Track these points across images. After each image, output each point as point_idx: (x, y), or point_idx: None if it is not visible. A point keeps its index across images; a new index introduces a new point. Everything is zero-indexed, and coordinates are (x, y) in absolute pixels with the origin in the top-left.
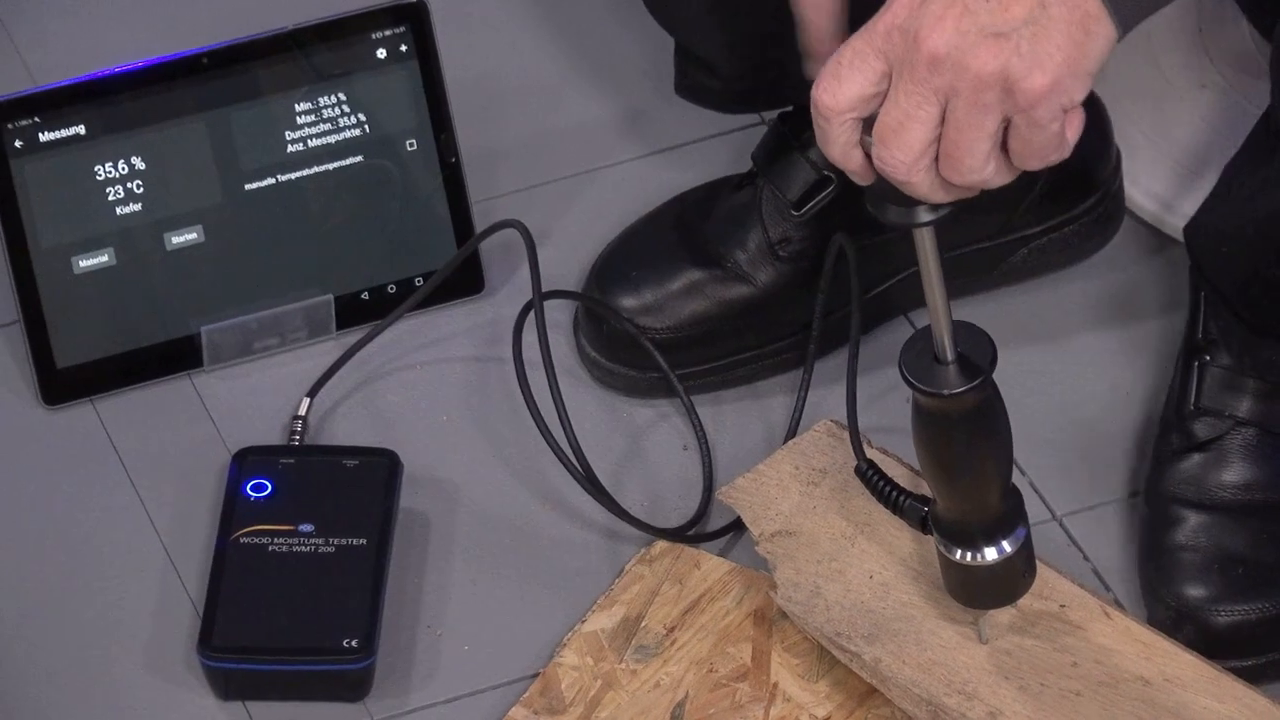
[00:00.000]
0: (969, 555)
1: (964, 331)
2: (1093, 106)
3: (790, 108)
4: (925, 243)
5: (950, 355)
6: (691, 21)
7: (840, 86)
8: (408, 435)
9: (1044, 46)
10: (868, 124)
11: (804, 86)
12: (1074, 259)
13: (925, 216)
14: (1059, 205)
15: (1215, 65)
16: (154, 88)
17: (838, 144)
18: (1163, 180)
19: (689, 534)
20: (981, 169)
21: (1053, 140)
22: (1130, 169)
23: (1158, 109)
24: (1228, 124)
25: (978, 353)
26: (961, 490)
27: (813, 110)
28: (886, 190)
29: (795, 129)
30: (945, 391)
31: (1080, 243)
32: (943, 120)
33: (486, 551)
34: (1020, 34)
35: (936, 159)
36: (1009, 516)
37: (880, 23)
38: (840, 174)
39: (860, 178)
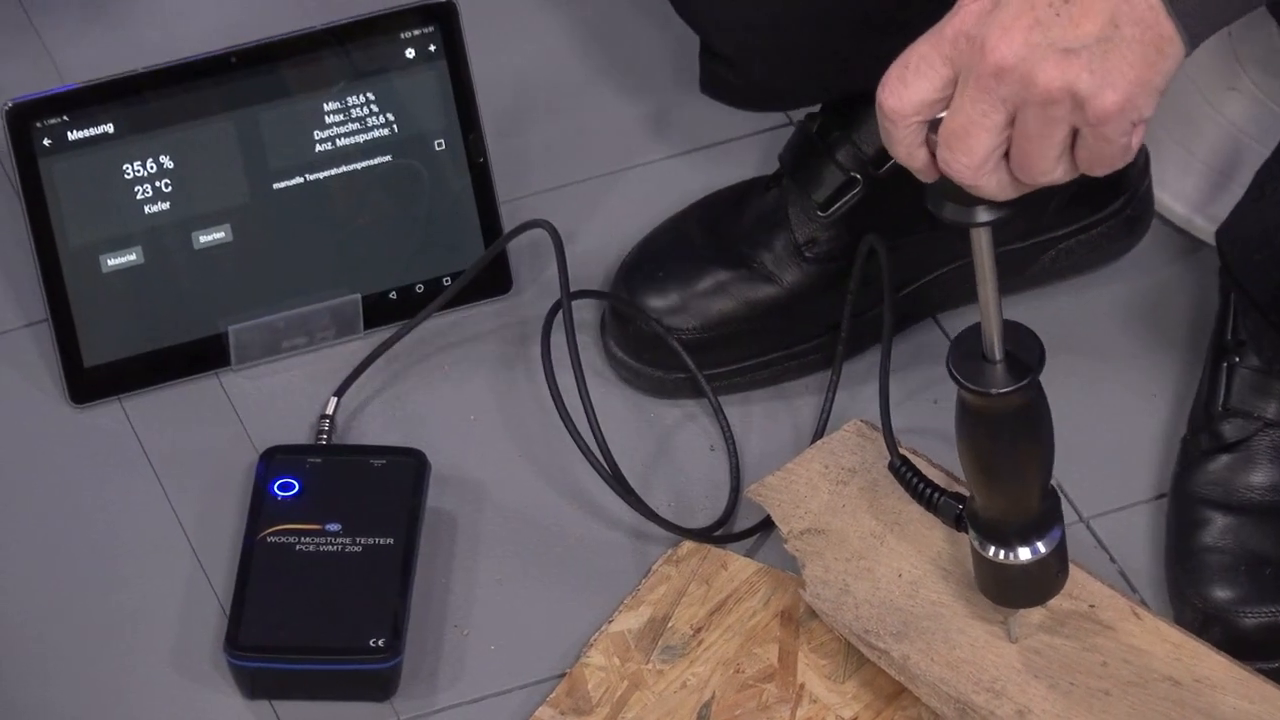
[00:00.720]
0: (1004, 554)
1: (1013, 331)
2: None
3: (817, 107)
4: (982, 242)
5: (998, 354)
6: (717, 19)
7: (906, 90)
8: (435, 435)
9: (1115, 65)
10: (934, 122)
11: (830, 85)
12: (1102, 261)
13: (984, 216)
14: (1087, 207)
15: (1244, 68)
16: (182, 87)
17: (902, 145)
18: (1192, 183)
19: (716, 534)
20: (1052, 171)
21: (1120, 151)
22: (1159, 171)
23: (1186, 112)
24: (1257, 127)
25: (1026, 352)
26: (1002, 490)
27: (878, 112)
28: (948, 188)
29: (822, 130)
30: (993, 390)
31: (1108, 245)
32: (1010, 125)
33: (513, 551)
34: (1091, 51)
35: (1005, 160)
36: (1047, 517)
37: (948, 27)
38: (867, 175)
39: (925, 176)
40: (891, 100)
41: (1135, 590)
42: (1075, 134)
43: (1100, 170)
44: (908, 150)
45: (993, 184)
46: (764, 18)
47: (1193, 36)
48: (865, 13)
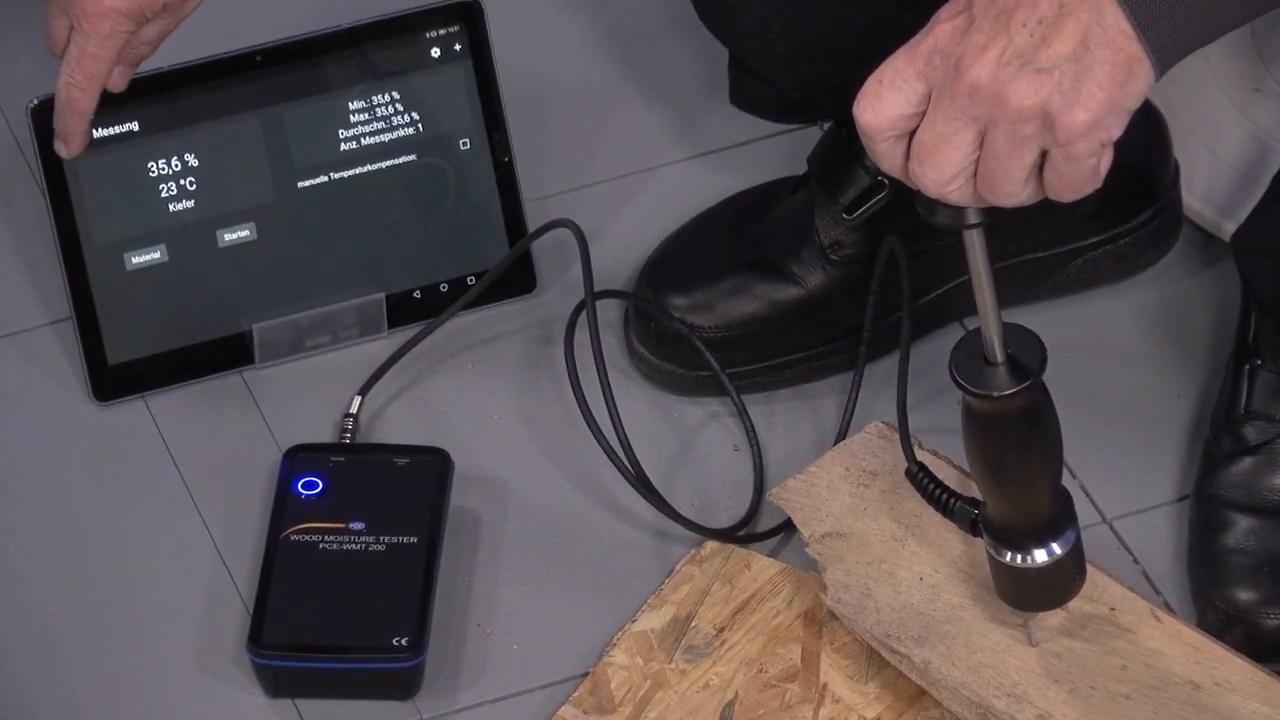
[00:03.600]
0: (1019, 557)
1: (1014, 333)
2: (1151, 118)
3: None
4: (975, 244)
5: (1000, 357)
6: (746, 33)
7: (880, 105)
8: (459, 434)
9: (1086, 85)
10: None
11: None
12: (1129, 272)
13: (974, 218)
14: (1116, 217)
15: (1269, 69)
16: (208, 85)
17: (885, 160)
18: (1219, 186)
19: (739, 534)
20: (1018, 193)
21: (1088, 174)
22: (1186, 175)
23: (1212, 115)
24: None
25: (1027, 355)
26: (1011, 492)
27: (857, 127)
28: None
29: (851, 134)
30: (994, 393)
31: (1135, 256)
32: (980, 144)
33: (537, 550)
34: (1063, 70)
35: (973, 177)
36: (1059, 519)
37: (923, 44)
38: (893, 181)
39: (914, 185)
40: (866, 115)
41: (1158, 591)
42: (1044, 157)
43: (1068, 195)
44: (891, 164)
45: (960, 199)
46: (794, 31)
47: (1162, 60)
48: (901, 24)
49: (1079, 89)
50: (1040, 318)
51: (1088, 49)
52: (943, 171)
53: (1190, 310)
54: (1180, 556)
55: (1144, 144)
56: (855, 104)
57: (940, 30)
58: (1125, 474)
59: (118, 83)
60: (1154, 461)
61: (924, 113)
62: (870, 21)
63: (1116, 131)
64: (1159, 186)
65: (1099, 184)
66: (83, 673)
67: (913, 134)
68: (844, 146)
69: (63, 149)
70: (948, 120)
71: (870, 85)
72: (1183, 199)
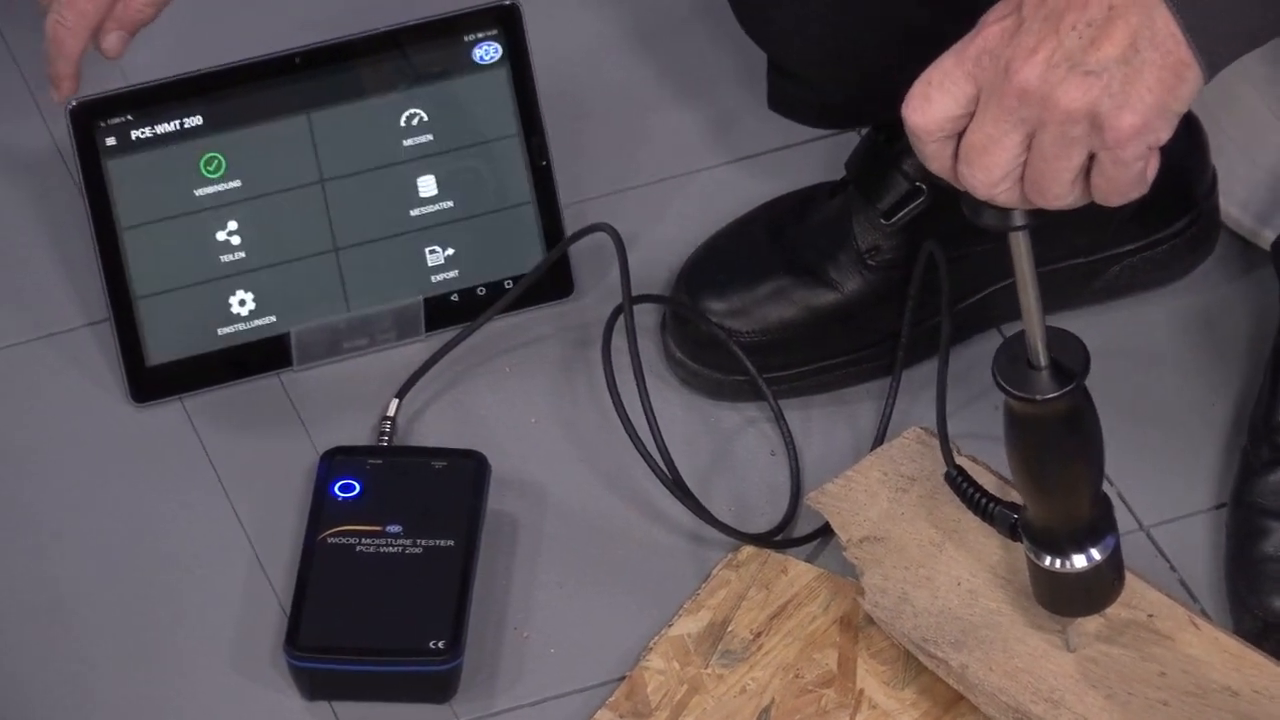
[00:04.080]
0: (1058, 562)
1: (1057, 337)
2: (1190, 125)
3: None
4: (1020, 247)
5: (1043, 360)
6: (785, 39)
7: (929, 106)
8: (496, 437)
9: (1135, 88)
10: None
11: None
12: (1167, 279)
13: (1021, 220)
14: (1154, 223)
15: None
16: (246, 87)
17: (933, 160)
18: (1258, 193)
19: (776, 539)
20: (1066, 196)
21: (1136, 178)
22: (1225, 182)
23: (1252, 122)
24: None
25: (1071, 358)
26: (1051, 496)
27: (905, 127)
28: None
29: (890, 138)
30: (1037, 397)
31: (1172, 263)
32: (1028, 146)
33: (574, 554)
34: (1112, 73)
35: (1020, 179)
36: (1099, 524)
37: (972, 45)
38: (932, 186)
39: (961, 186)
40: (915, 116)
41: (1195, 599)
42: (1092, 160)
43: (1115, 199)
44: (939, 165)
45: (1008, 201)
46: (833, 36)
47: (1211, 64)
48: (941, 31)
49: (1128, 92)
50: (1078, 324)
51: (1137, 51)
52: (991, 173)
53: (1228, 317)
54: (1217, 564)
55: (1182, 150)
56: (904, 104)
57: (989, 31)
58: (1162, 481)
59: (115, 46)
60: (1191, 469)
61: (972, 114)
62: (909, 27)
63: (1165, 135)
64: (1197, 193)
65: (1146, 189)
66: (118, 674)
67: (960, 135)
68: (882, 152)
69: (53, 94)
70: (996, 122)
71: (919, 86)
72: (1220, 206)
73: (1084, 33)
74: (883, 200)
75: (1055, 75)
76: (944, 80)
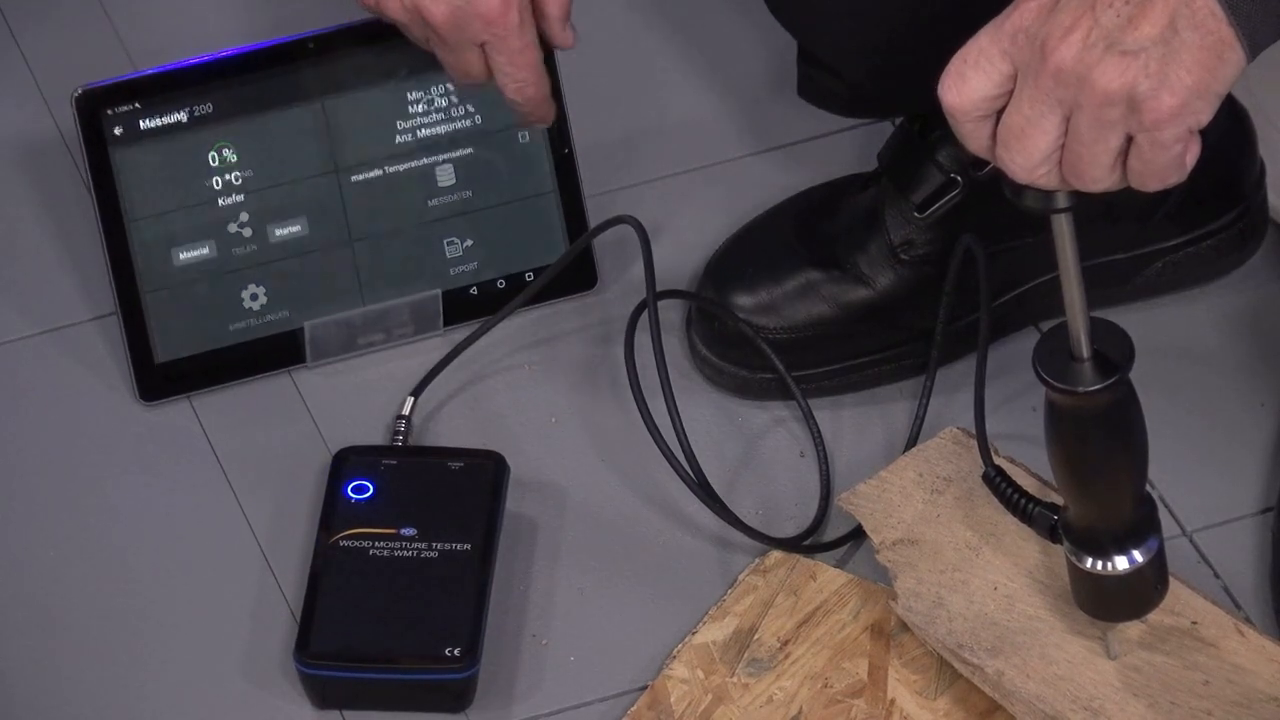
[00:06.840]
0: (1099, 564)
1: (1101, 328)
2: (1236, 116)
3: None
4: (1063, 230)
5: (1086, 352)
6: (817, 25)
7: (965, 85)
8: (515, 437)
9: (1174, 68)
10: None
11: (934, 92)
12: (1212, 275)
13: (1064, 202)
14: (1199, 218)
15: None
16: (258, 74)
17: (971, 140)
18: None
19: (805, 544)
20: (1104, 179)
21: (1174, 162)
22: (1273, 175)
23: None
24: None
25: (1115, 350)
26: (1093, 494)
27: (942, 107)
28: None
29: (924, 128)
30: (1080, 389)
31: (1218, 259)
32: (1066, 127)
33: (595, 558)
34: (1150, 53)
35: (1060, 162)
36: (1142, 525)
37: (1008, 23)
38: (968, 177)
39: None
40: (951, 96)
41: (1239, 606)
42: (1130, 143)
43: (1153, 183)
44: (977, 144)
45: (1048, 184)
46: (865, 23)
47: (1254, 44)
48: (973, 16)
49: (1166, 72)
50: (1120, 322)
51: (1176, 31)
52: (1031, 157)
53: (1275, 315)
54: (1263, 571)
55: (1228, 143)
56: (940, 84)
57: (1026, 8)
58: (1206, 485)
59: (569, 36)
60: (1236, 472)
61: (1009, 93)
62: (940, 13)
63: (1205, 117)
64: (1244, 187)
65: (1184, 175)
66: (126, 680)
67: (998, 115)
68: (916, 142)
69: (545, 123)
70: (1033, 103)
71: (954, 65)
72: (1269, 200)
73: (1121, 11)
74: (916, 192)
75: (1092, 55)
76: (980, 59)
